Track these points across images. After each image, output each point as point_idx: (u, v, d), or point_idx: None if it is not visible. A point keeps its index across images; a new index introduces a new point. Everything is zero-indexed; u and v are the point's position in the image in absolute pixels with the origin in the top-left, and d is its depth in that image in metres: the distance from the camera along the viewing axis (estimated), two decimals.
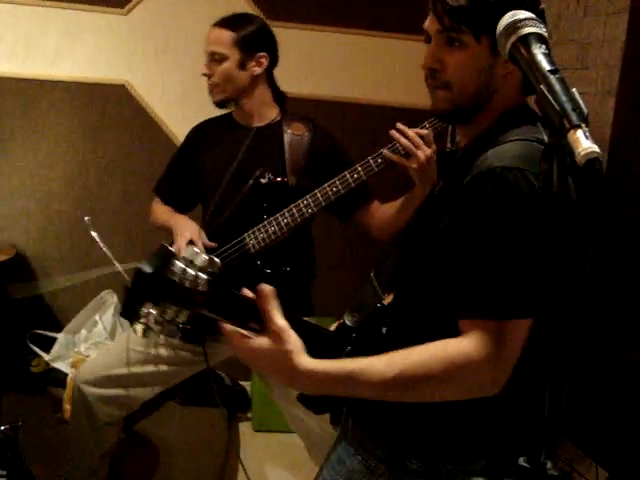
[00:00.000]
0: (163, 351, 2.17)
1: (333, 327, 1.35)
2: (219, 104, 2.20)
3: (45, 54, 3.36)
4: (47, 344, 3.44)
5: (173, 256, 0.97)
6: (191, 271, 0.97)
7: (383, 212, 2.14)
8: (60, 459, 2.63)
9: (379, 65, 3.51)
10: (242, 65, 2.13)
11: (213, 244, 2.12)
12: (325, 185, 2.00)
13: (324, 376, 1.08)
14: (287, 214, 2.03)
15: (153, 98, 3.46)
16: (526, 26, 0.93)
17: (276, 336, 1.06)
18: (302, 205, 2.02)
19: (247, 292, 1.09)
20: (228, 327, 1.08)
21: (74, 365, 3.18)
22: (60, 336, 3.45)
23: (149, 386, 2.23)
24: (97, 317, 3.47)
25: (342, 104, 3.51)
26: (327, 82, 3.48)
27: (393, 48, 3.48)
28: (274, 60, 2.21)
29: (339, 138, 2.29)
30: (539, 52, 0.89)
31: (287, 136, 2.15)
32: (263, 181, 2.11)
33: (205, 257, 0.99)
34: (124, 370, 2.18)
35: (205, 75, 2.16)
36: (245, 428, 3.18)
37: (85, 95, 3.44)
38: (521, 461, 0.83)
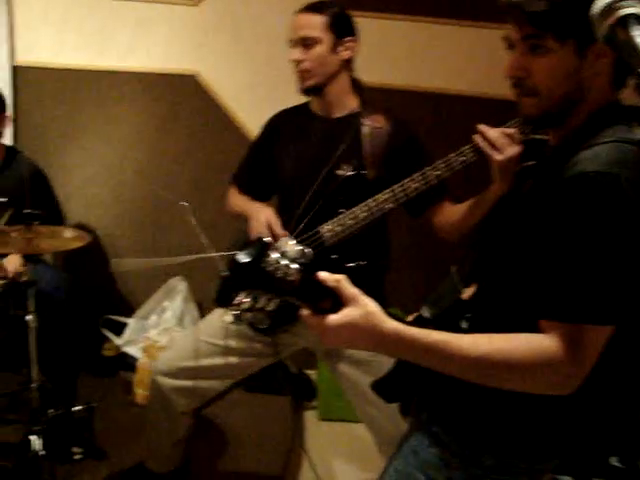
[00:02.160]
0: (233, 343, 2.18)
1: (410, 318, 1.34)
2: (308, 91, 2.16)
3: (119, 46, 3.44)
4: (119, 329, 3.54)
5: (268, 247, 1.01)
6: (284, 261, 1.00)
7: (454, 212, 2.08)
8: (132, 441, 2.71)
9: (452, 53, 3.43)
10: (334, 49, 2.10)
11: (287, 233, 2.12)
12: (405, 180, 1.96)
13: (409, 339, 1.10)
14: (365, 208, 2.00)
15: (223, 89, 3.48)
16: (624, 7, 0.88)
17: (354, 301, 1.08)
18: (380, 200, 1.98)
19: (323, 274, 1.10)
20: (306, 312, 1.10)
21: (145, 350, 3.25)
22: (131, 321, 3.54)
23: (220, 378, 2.25)
24: (166, 303, 3.54)
25: (415, 93, 3.44)
26: (398, 71, 3.43)
27: (467, 36, 3.39)
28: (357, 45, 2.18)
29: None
30: (639, 34, 0.85)
31: (366, 128, 2.11)
32: (340, 173, 2.08)
33: (298, 248, 1.04)
34: (195, 362, 2.20)
35: (295, 61, 2.12)
36: (310, 417, 3.18)
37: (157, 86, 3.51)
38: (613, 461, 0.80)
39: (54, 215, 3.08)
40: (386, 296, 2.23)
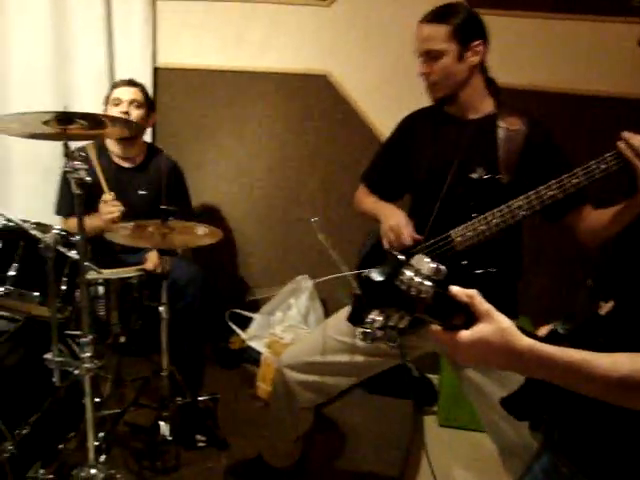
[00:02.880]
0: (360, 341, 2.17)
1: (542, 332, 1.28)
2: (439, 102, 2.12)
3: (252, 47, 3.53)
4: (244, 323, 3.64)
5: (402, 264, 1.00)
6: (418, 279, 0.99)
7: (595, 217, 1.97)
8: (252, 433, 2.77)
9: (593, 51, 3.25)
10: (460, 57, 2.02)
11: (419, 237, 2.08)
12: (541, 188, 1.87)
13: (546, 357, 1.04)
14: (498, 214, 1.93)
15: (354, 88, 3.49)
16: None
17: (488, 317, 1.04)
18: (515, 206, 1.90)
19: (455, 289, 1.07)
20: (437, 328, 1.07)
21: (269, 345, 3.32)
22: (257, 317, 3.63)
23: (345, 375, 2.25)
24: (292, 300, 3.60)
25: (552, 95, 3.27)
26: (533, 71, 3.29)
27: (610, 32, 3.20)
28: (486, 46, 2.09)
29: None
30: None
31: (501, 131, 2.03)
32: (474, 177, 2.01)
33: (432, 265, 1.00)
34: (322, 358, 2.22)
35: (423, 75, 2.07)
36: (430, 422, 3.13)
37: (288, 85, 3.56)
38: None
39: (187, 212, 3.21)
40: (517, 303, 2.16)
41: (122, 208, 2.80)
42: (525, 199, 1.88)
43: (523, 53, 3.24)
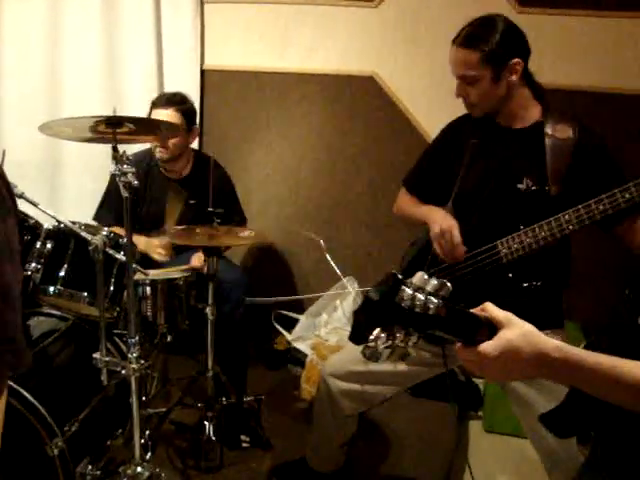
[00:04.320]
0: (366, 359, 2.15)
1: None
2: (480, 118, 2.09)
3: (300, 49, 3.54)
4: (290, 324, 3.65)
5: (401, 283, 0.99)
6: (421, 296, 0.99)
7: None
8: (296, 435, 2.78)
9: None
10: (496, 79, 1.96)
11: (464, 248, 2.04)
12: (591, 202, 1.81)
13: (575, 358, 1.01)
14: (545, 227, 1.87)
15: (401, 90, 3.46)
16: None
17: (508, 323, 1.03)
18: (563, 220, 1.84)
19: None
20: (458, 346, 1.06)
21: (314, 347, 3.32)
22: (302, 318, 3.63)
23: (387, 384, 2.22)
24: (338, 302, 3.59)
25: (606, 95, 3.19)
26: (582, 71, 3.21)
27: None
28: (527, 59, 2.01)
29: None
30: None
31: (549, 140, 1.96)
32: (521, 187, 1.96)
33: (435, 282, 1.00)
34: (364, 367, 2.19)
35: (459, 97, 2.04)
36: (475, 427, 3.08)
37: (335, 87, 3.56)
38: None
39: (238, 215, 3.24)
40: (563, 312, 2.10)
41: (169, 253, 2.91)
42: (574, 213, 1.82)
43: (572, 52, 3.17)
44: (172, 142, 2.93)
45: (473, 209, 2.05)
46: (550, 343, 1.02)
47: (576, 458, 1.35)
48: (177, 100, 2.98)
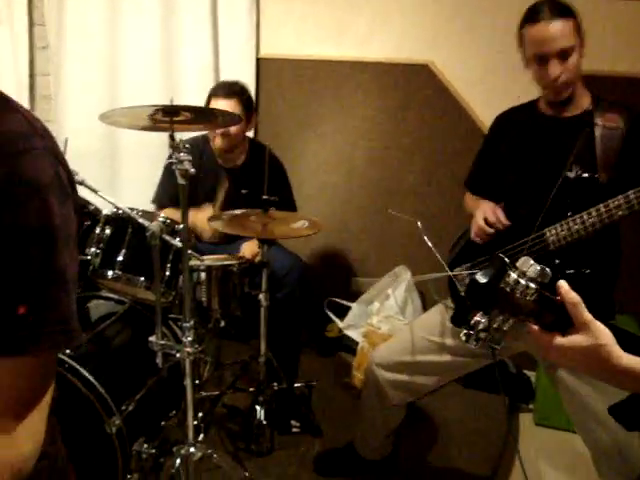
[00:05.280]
0: (450, 341, 2.15)
1: None
2: (563, 102, 2.03)
3: (355, 37, 3.53)
4: (342, 312, 3.67)
5: (507, 267, 0.99)
6: (522, 281, 0.98)
7: None
8: (346, 422, 2.80)
9: None
10: (582, 51, 1.96)
11: (507, 222, 2.07)
12: None
13: None
14: (594, 213, 1.85)
15: (456, 78, 3.43)
16: None
17: (586, 329, 1.01)
18: (612, 206, 1.82)
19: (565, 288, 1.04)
20: (535, 328, 1.05)
21: (365, 335, 3.33)
22: (354, 306, 3.65)
23: (435, 375, 2.24)
24: (390, 291, 3.58)
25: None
26: (630, 57, 3.11)
27: None
28: None
29: None
30: None
31: (599, 129, 1.96)
32: (570, 175, 1.95)
33: (537, 268, 0.99)
34: (412, 357, 2.22)
35: (555, 79, 1.96)
36: (526, 420, 3.05)
37: (390, 75, 3.54)
38: None
39: (289, 205, 3.27)
40: (616, 303, 2.07)
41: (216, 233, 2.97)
42: (624, 199, 1.79)
43: (621, 39, 3.07)
44: (233, 131, 2.95)
45: (522, 199, 2.06)
46: (622, 362, 1.01)
47: (627, 452, 1.33)
48: (237, 90, 2.97)
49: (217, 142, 2.98)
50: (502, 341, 1.04)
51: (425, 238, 2.12)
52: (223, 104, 2.91)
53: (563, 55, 1.93)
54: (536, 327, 1.04)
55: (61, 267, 0.91)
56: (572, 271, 1.91)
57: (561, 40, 1.92)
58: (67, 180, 0.97)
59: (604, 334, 1.01)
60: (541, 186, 1.99)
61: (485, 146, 2.34)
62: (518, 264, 0.99)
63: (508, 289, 0.97)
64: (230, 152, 3.08)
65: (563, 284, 1.02)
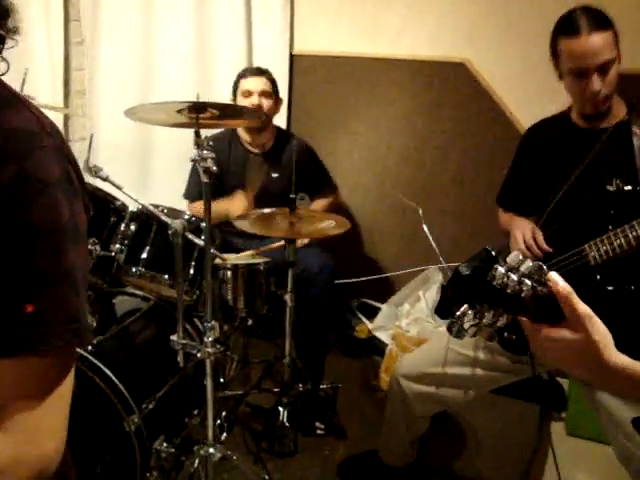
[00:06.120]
0: (481, 355, 2.10)
1: None
2: (597, 115, 1.98)
3: (389, 33, 3.46)
4: (371, 313, 3.62)
5: (495, 260, 0.93)
6: (514, 277, 0.92)
7: None
8: (371, 426, 2.76)
9: None
10: (619, 59, 1.90)
11: (548, 249, 1.99)
12: None
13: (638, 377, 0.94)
14: (637, 227, 1.79)
15: (493, 77, 3.34)
16: None
17: (579, 322, 0.93)
18: None
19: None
20: (526, 321, 0.99)
21: (394, 338, 3.28)
22: (384, 307, 3.59)
23: (463, 388, 2.18)
24: (421, 293, 3.52)
25: None
26: None
27: None
28: None
29: None
30: None
31: (637, 138, 1.89)
32: (610, 189, 1.88)
33: (530, 263, 0.93)
34: (441, 369, 2.16)
35: (596, 93, 1.89)
36: (558, 429, 2.96)
37: (425, 73, 3.47)
38: None
39: (326, 184, 3.33)
40: None
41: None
42: None
43: None
44: (265, 105, 3.07)
45: (558, 213, 2.00)
46: (614, 360, 0.94)
47: None
48: (264, 70, 3.17)
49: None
50: (495, 337, 0.98)
51: (424, 227, 2.07)
52: (253, 81, 3.10)
53: (603, 69, 1.86)
54: (526, 320, 0.98)
55: (69, 265, 0.89)
56: (612, 288, 1.84)
57: (602, 54, 1.85)
58: (76, 178, 0.96)
59: (599, 329, 0.94)
60: (579, 201, 1.93)
61: (517, 161, 2.28)
62: (508, 259, 0.93)
63: (497, 284, 0.92)
64: (258, 134, 3.16)
65: (553, 275, 0.94)
